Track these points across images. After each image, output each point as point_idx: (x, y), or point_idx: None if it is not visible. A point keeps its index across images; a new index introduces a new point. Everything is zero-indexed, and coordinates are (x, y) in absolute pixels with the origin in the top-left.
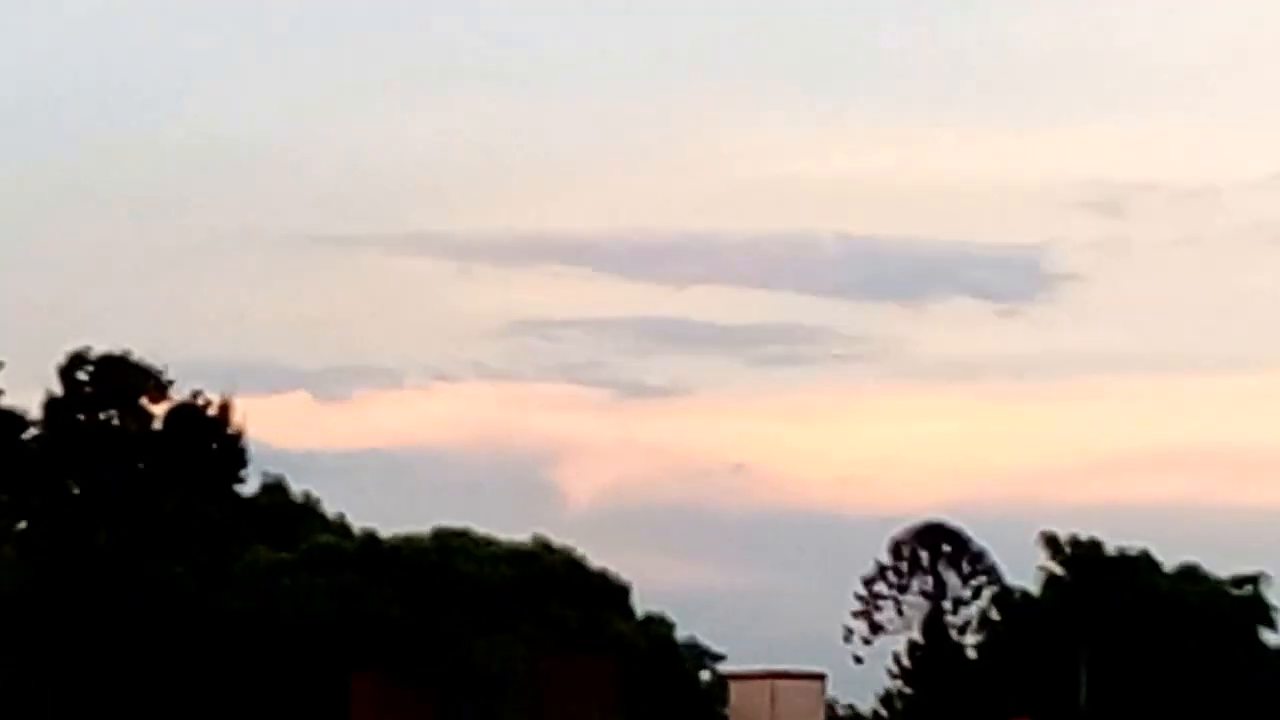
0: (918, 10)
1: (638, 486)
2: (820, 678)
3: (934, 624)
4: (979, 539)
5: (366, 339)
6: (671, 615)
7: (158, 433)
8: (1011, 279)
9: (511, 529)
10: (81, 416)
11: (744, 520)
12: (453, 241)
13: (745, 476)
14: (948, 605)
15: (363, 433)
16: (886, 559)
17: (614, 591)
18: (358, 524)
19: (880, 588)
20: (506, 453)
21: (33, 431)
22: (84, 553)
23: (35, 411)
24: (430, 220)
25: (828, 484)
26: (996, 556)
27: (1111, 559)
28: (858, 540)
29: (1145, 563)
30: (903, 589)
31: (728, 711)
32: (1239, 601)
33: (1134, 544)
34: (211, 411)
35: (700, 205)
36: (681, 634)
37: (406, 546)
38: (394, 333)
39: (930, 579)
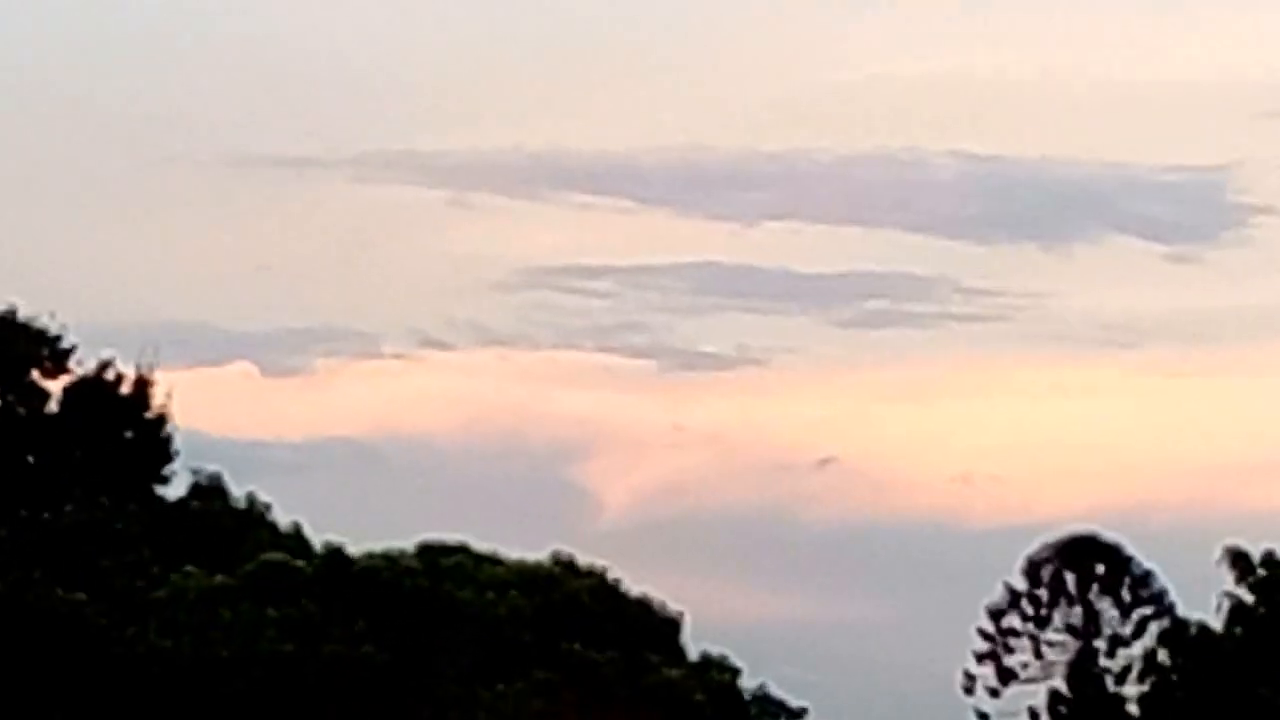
0: None
1: (691, 488)
2: None
3: (1084, 669)
4: (1143, 557)
5: (331, 293)
6: (736, 658)
7: (54, 416)
8: (1187, 213)
9: (524, 544)
10: None
11: (832, 532)
12: (446, 164)
13: (834, 474)
14: (1102, 644)
15: (326, 417)
16: (1021, 583)
17: (659, 626)
18: (319, 537)
19: (1013, 621)
20: (517, 443)
21: None
22: None
23: None
24: (416, 137)
25: (943, 484)
26: (1166, 579)
27: None
28: (983, 558)
29: None
30: (1042, 623)
31: None
32: None
33: None
34: (125, 389)
35: (775, 117)
36: (749, 682)
37: (384, 567)
38: (368, 285)
39: (1079, 610)
